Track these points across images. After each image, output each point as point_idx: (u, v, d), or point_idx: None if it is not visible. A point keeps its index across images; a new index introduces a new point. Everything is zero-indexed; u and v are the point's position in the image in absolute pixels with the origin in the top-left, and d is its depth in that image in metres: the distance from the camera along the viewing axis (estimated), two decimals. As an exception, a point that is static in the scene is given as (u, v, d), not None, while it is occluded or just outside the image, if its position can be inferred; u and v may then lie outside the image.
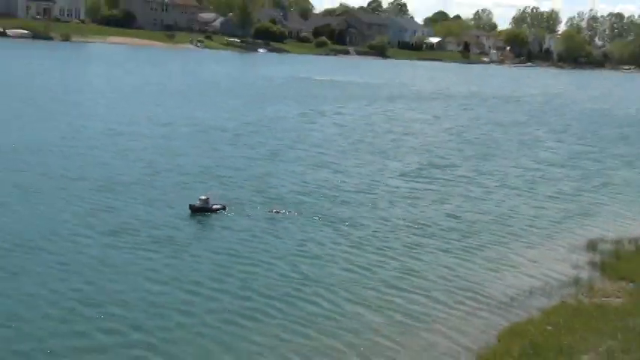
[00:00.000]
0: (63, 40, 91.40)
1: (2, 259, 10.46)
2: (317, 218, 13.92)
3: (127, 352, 8.02)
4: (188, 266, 10.66)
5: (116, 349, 8.08)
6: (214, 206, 11.86)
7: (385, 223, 14.04)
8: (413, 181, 19.04)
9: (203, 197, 11.97)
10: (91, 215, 13.01)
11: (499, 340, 8.14)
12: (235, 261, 11.05)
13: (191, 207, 12.16)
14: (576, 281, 10.56)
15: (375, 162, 21.73)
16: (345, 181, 18.01)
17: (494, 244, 12.96)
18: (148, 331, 8.50)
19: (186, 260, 10.92)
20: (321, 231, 13.08)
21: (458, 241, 13.07)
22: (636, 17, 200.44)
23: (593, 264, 11.52)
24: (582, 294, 9.82)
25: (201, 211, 11.79)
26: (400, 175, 19.73)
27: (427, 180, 19.41)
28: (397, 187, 17.92)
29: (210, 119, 29.11)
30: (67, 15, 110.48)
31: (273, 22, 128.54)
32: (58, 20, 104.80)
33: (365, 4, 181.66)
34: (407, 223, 14.05)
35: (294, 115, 33.21)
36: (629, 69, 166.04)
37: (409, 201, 16.32)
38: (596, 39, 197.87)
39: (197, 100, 36.89)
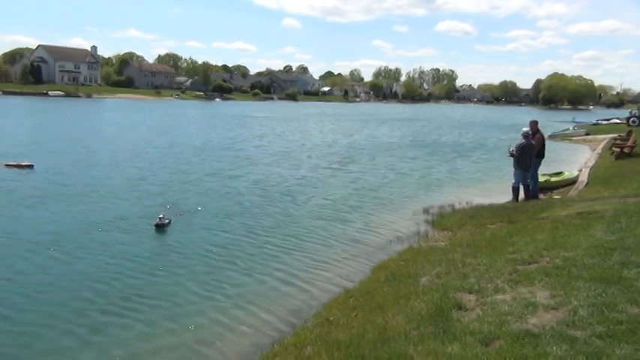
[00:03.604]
0: (87, 97, 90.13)
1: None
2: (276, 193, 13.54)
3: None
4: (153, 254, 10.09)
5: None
6: (166, 221, 11.13)
7: (306, 196, 13.78)
8: (325, 169, 19.30)
9: (160, 216, 11.24)
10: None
11: (372, 272, 8.18)
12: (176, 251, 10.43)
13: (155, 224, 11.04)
14: (418, 233, 10.73)
15: (305, 159, 22.33)
16: (284, 174, 17.43)
17: (370, 212, 12.97)
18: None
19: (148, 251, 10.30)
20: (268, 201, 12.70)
21: (347, 210, 13.00)
22: (447, 70, 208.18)
23: (427, 221, 11.72)
24: (421, 241, 9.97)
25: (160, 226, 11.02)
26: (319, 168, 19.95)
27: (336, 169, 19.95)
28: (309, 176, 17.75)
29: (190, 140, 28.70)
30: (89, 80, 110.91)
31: (224, 81, 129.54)
32: (83, 84, 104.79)
33: (282, 68, 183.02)
34: (317, 198, 13.86)
35: (247, 136, 33.48)
36: (444, 101, 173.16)
37: (322, 184, 16.24)
38: (424, 84, 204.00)
39: (181, 129, 36.26)
